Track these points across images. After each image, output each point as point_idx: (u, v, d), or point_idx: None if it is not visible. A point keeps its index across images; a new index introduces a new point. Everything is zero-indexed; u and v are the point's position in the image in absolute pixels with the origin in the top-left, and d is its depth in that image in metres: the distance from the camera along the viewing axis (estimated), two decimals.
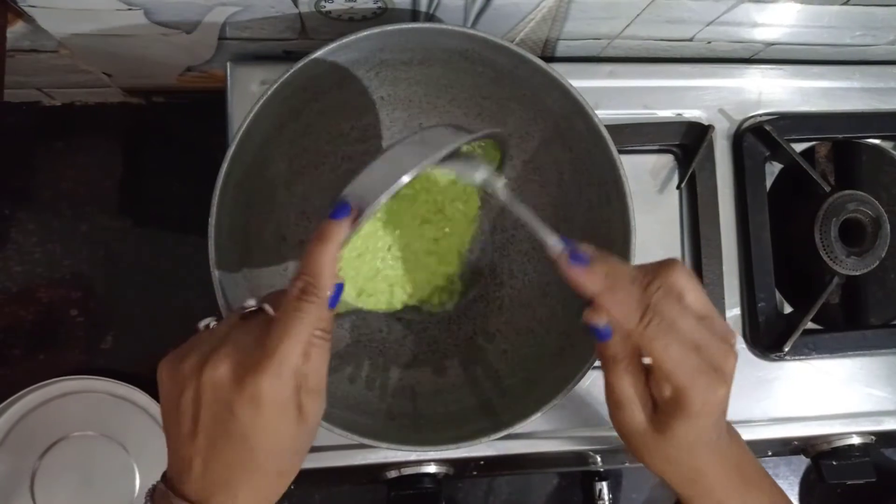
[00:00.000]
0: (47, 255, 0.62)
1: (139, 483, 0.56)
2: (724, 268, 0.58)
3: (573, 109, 0.45)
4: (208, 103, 0.55)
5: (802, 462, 0.70)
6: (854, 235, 0.58)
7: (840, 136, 0.61)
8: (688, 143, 0.58)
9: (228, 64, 0.53)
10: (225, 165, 0.42)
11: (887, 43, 0.59)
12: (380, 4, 0.46)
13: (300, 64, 0.42)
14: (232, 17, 0.47)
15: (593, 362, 0.43)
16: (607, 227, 0.47)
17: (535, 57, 0.43)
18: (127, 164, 0.64)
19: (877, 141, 0.63)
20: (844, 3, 0.51)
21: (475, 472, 0.58)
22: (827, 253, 0.58)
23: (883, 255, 0.59)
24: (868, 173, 0.61)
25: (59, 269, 0.62)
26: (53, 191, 0.63)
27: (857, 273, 0.59)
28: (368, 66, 0.48)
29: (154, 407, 0.57)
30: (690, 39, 0.56)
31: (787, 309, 0.60)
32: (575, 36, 0.55)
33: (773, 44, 0.58)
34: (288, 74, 0.42)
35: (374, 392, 0.50)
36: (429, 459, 0.54)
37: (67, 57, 0.54)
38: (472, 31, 0.43)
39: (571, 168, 0.50)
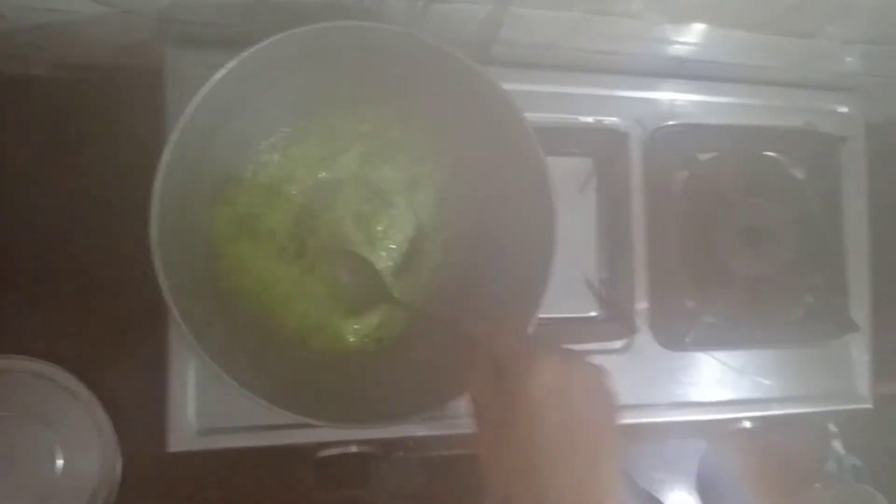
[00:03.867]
0: None
1: (62, 462, 0.55)
2: (635, 264, 0.62)
3: (503, 111, 0.48)
4: (144, 83, 0.55)
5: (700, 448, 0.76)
6: (754, 239, 0.65)
7: (742, 147, 0.67)
8: (606, 148, 0.62)
9: (169, 46, 0.53)
10: (168, 152, 0.42)
11: (784, 66, 0.66)
12: None
13: (248, 52, 0.43)
14: None
15: None
16: (534, 223, 0.50)
17: (471, 60, 0.46)
18: (55, 139, 0.63)
19: (774, 154, 0.69)
20: (747, 30, 0.57)
21: (401, 453, 0.60)
22: (729, 254, 0.64)
23: (779, 259, 0.65)
24: (768, 183, 0.67)
25: None
26: None
27: (755, 274, 0.65)
28: (312, 59, 0.49)
29: (76, 385, 0.56)
30: (614, 53, 0.61)
31: (692, 304, 0.65)
32: (511, 43, 0.58)
33: (686, 60, 0.63)
34: (236, 61, 0.43)
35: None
36: (356, 440, 0.56)
37: None
38: (416, 33, 0.46)
39: (500, 168, 0.53)
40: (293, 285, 0.53)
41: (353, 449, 0.57)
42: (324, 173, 0.54)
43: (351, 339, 0.54)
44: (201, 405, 0.51)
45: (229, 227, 0.51)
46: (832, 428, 0.73)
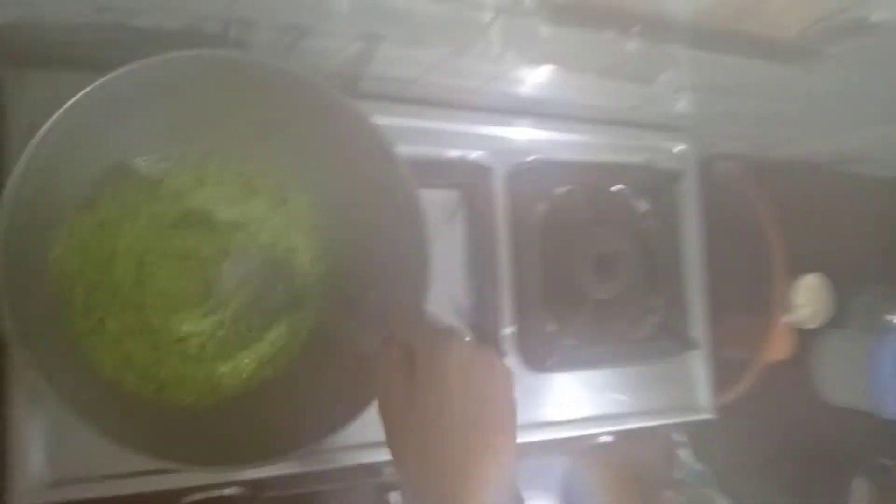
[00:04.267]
0: None
1: None
2: (501, 291, 0.65)
3: (373, 146, 0.49)
4: None
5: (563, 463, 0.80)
6: (603, 265, 0.70)
7: (592, 182, 0.73)
8: (471, 180, 0.65)
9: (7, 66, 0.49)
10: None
11: (626, 108, 0.72)
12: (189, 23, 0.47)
13: (100, 81, 0.41)
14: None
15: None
16: (407, 251, 0.51)
17: (341, 94, 0.47)
18: None
19: (620, 187, 0.75)
20: (594, 74, 0.62)
21: (274, 492, 0.58)
22: (582, 280, 0.69)
23: (624, 283, 0.71)
24: (615, 214, 0.73)
25: None
26: None
27: (606, 297, 0.70)
28: (175, 88, 0.48)
29: None
30: (476, 91, 0.64)
31: (552, 327, 0.69)
32: (378, 77, 0.60)
33: (541, 100, 0.68)
34: (88, 89, 0.41)
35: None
36: (229, 482, 0.54)
37: None
38: (281, 65, 0.46)
39: (374, 200, 0.54)
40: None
41: (226, 491, 0.55)
42: (190, 204, 0.52)
43: (224, 383, 0.52)
44: (52, 452, 0.47)
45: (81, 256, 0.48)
46: (677, 437, 0.80)
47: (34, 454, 0.47)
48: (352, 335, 0.50)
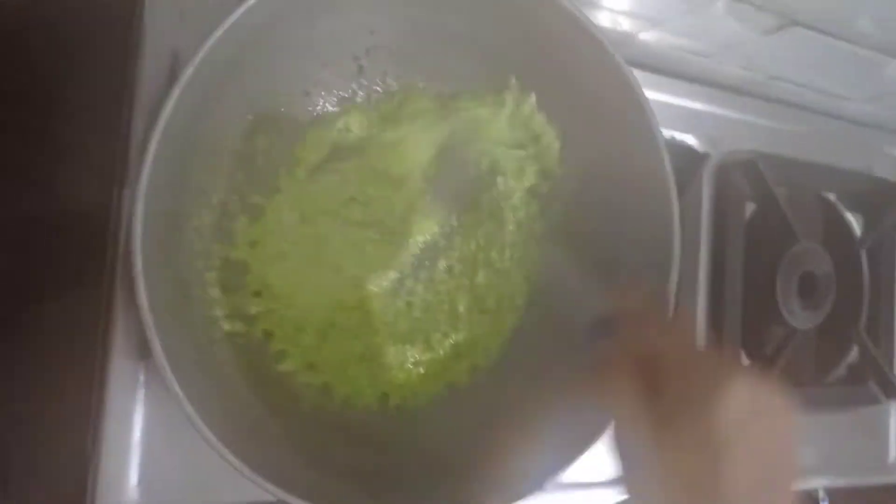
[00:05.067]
0: None
1: None
2: (696, 302, 0.53)
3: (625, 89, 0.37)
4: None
5: None
6: (808, 289, 0.57)
7: (807, 184, 0.60)
8: (678, 167, 0.53)
9: None
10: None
11: (861, 100, 0.59)
12: None
13: None
14: None
15: None
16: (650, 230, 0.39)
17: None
18: None
19: (832, 195, 0.62)
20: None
21: None
22: (785, 303, 0.56)
23: (829, 313, 0.59)
24: (826, 227, 0.60)
25: None
26: None
27: (804, 327, 0.58)
28: None
29: None
30: (699, 57, 0.52)
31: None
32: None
33: (773, 77, 0.55)
34: None
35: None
36: None
37: None
38: None
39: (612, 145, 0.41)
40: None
41: None
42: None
43: (400, 380, 0.39)
44: (146, 471, 0.35)
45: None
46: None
47: (123, 473, 0.35)
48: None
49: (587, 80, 0.38)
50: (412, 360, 0.39)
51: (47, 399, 0.36)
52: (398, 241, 0.39)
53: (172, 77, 0.37)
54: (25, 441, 0.37)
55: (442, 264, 0.40)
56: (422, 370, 0.39)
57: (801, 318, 0.57)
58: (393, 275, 0.39)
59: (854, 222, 0.62)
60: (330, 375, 0.37)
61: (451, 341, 0.40)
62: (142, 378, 0.34)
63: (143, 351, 0.34)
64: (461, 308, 0.40)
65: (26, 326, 0.39)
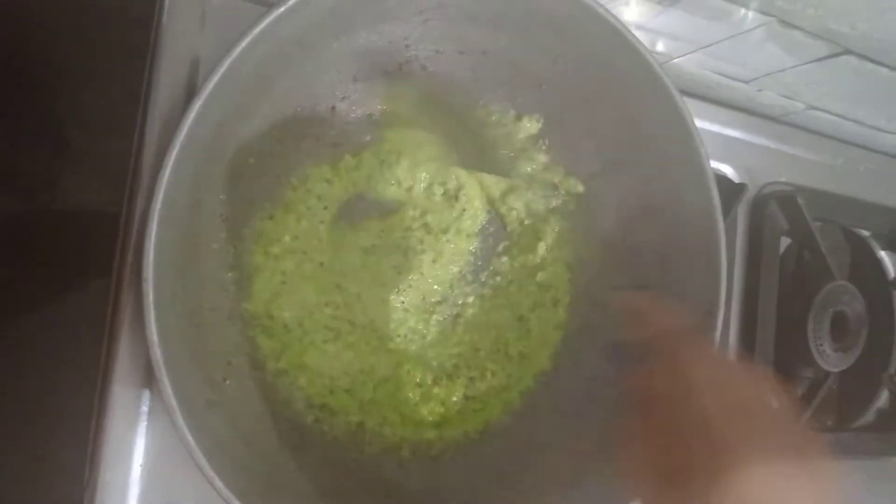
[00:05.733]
0: None
1: None
2: (727, 339, 0.51)
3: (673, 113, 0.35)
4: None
5: None
6: (842, 329, 0.55)
7: (841, 220, 0.58)
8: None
9: None
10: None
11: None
12: None
13: None
14: None
15: None
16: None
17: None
18: None
19: (866, 234, 0.60)
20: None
21: None
22: (817, 343, 0.54)
23: (861, 356, 0.56)
24: (861, 266, 0.58)
25: None
26: None
27: (835, 369, 0.55)
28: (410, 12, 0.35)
29: None
30: (737, 82, 0.49)
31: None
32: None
33: (812, 107, 0.53)
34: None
35: None
36: None
37: None
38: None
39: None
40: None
41: None
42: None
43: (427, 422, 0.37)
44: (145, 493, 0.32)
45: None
46: None
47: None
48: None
49: (635, 106, 0.36)
50: (437, 405, 0.36)
51: (44, 425, 0.34)
52: (425, 286, 0.37)
53: (190, 83, 0.35)
54: (19, 472, 0.34)
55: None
56: (447, 414, 0.36)
57: (832, 360, 0.55)
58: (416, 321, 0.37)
59: (887, 260, 0.60)
60: (358, 416, 0.34)
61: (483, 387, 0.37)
62: (144, 408, 0.31)
63: (147, 378, 0.31)
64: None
65: (21, 343, 0.36)
